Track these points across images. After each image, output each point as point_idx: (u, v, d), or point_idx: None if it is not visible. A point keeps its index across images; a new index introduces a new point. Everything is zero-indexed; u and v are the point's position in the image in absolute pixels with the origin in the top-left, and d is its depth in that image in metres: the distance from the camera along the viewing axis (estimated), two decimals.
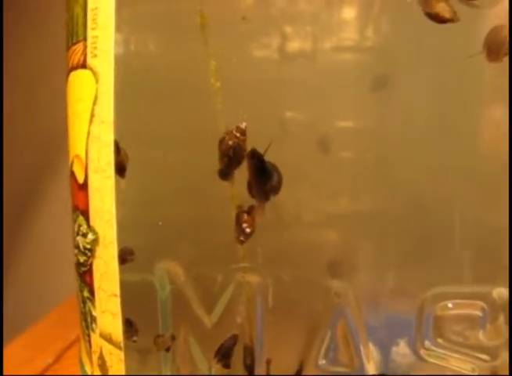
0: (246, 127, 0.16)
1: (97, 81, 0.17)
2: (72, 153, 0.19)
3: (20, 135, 0.42)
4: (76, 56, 0.18)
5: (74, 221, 0.19)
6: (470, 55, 0.15)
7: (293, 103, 0.17)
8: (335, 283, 0.16)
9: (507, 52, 0.15)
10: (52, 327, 0.29)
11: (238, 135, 0.16)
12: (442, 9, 0.16)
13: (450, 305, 0.16)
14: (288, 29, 0.18)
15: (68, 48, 0.19)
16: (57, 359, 0.27)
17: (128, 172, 0.18)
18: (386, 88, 0.17)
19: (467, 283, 0.16)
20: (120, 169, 0.18)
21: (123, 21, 0.18)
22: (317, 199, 0.17)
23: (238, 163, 0.16)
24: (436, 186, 0.17)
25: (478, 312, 0.16)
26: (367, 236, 0.17)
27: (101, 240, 0.18)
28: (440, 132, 0.17)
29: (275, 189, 0.17)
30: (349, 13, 0.17)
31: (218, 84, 0.17)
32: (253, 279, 0.16)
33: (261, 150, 0.17)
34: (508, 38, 0.15)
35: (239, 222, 0.17)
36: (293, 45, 0.17)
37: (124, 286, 0.18)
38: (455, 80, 0.17)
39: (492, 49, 0.15)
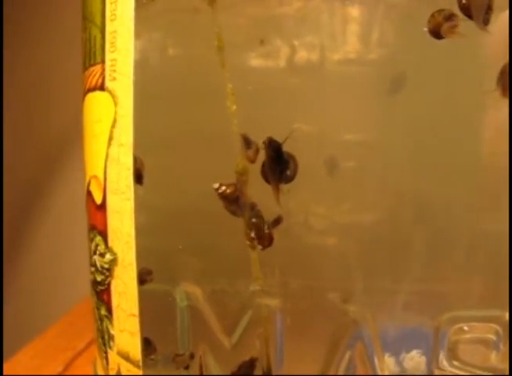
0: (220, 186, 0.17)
1: (116, 104, 0.18)
2: (89, 174, 0.19)
3: (21, 140, 0.42)
4: (94, 78, 0.18)
5: (91, 240, 0.19)
6: (484, 92, 0.16)
7: (303, 115, 0.18)
8: (352, 307, 0.16)
9: None
10: (60, 336, 0.29)
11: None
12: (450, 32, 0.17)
13: (466, 327, 0.16)
14: (299, 46, 0.18)
15: (85, 69, 0.19)
16: (66, 368, 0.27)
17: (145, 179, 0.18)
18: (393, 98, 0.17)
19: (482, 307, 0.16)
20: (138, 176, 0.18)
21: (141, 31, 0.18)
22: (326, 210, 0.18)
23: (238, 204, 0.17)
24: (444, 198, 0.17)
25: (492, 335, 0.16)
26: (382, 250, 0.17)
27: (120, 260, 0.18)
28: (445, 142, 0.17)
29: (290, 178, 0.17)
30: (356, 26, 0.18)
31: (234, 107, 0.18)
32: (271, 302, 0.17)
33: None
34: None
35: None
36: (304, 61, 0.18)
37: (143, 305, 0.18)
38: (460, 91, 0.17)
39: (505, 86, 0.15)
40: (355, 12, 0.18)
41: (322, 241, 0.18)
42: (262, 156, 0.17)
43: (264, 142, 0.17)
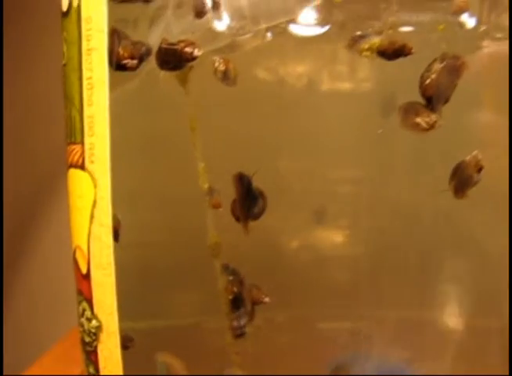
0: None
1: (95, 185, 0.19)
2: (74, 242, 0.20)
3: (21, 154, 0.42)
4: (75, 156, 0.19)
5: (79, 303, 0.21)
6: (439, 191, 0.16)
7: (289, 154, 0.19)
8: None
9: (474, 184, 0.16)
10: (55, 363, 0.30)
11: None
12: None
13: None
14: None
15: (67, 144, 0.20)
16: None
17: (121, 237, 0.19)
18: (385, 130, 0.18)
19: None
20: (115, 234, 0.19)
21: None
22: (315, 243, 0.19)
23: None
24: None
25: None
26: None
27: (104, 328, 0.19)
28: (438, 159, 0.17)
29: (258, 215, 0.18)
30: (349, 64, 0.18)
31: (207, 185, 0.19)
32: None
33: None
34: (472, 173, 0.16)
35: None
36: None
37: (128, 367, 0.19)
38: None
39: (457, 187, 0.16)
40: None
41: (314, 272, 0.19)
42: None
43: (234, 177, 0.18)
